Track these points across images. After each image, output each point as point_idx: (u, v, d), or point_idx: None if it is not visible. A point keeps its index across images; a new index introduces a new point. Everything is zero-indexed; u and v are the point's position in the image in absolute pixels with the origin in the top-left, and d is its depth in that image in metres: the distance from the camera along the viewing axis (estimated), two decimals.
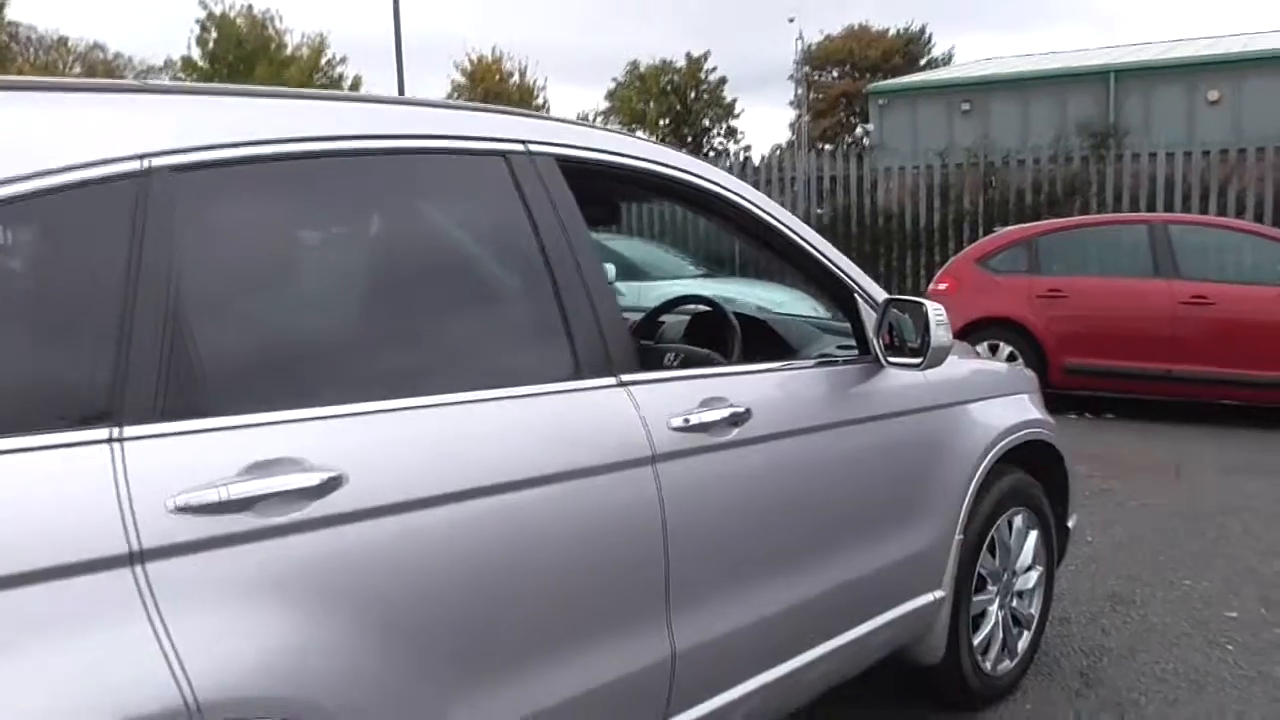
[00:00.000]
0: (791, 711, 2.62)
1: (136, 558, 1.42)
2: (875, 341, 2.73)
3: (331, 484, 1.61)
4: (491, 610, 1.81)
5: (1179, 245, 8.03)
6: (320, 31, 49.78)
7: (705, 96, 61.64)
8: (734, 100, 59.63)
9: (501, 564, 1.82)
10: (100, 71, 44.42)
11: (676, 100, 61.41)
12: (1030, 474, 3.35)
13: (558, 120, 2.25)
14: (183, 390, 1.53)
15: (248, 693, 1.49)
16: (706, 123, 60.57)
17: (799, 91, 53.81)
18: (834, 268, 2.78)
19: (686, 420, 2.17)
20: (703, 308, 3.13)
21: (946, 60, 53.53)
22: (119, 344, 1.49)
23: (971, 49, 77.36)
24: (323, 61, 51.17)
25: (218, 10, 44.58)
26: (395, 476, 1.69)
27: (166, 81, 2.37)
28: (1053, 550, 3.52)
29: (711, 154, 48.25)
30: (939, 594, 2.95)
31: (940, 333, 2.61)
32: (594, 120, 65.81)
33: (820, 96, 56.01)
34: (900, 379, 2.80)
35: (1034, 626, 3.46)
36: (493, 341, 2.05)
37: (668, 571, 2.12)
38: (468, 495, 1.78)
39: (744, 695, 2.33)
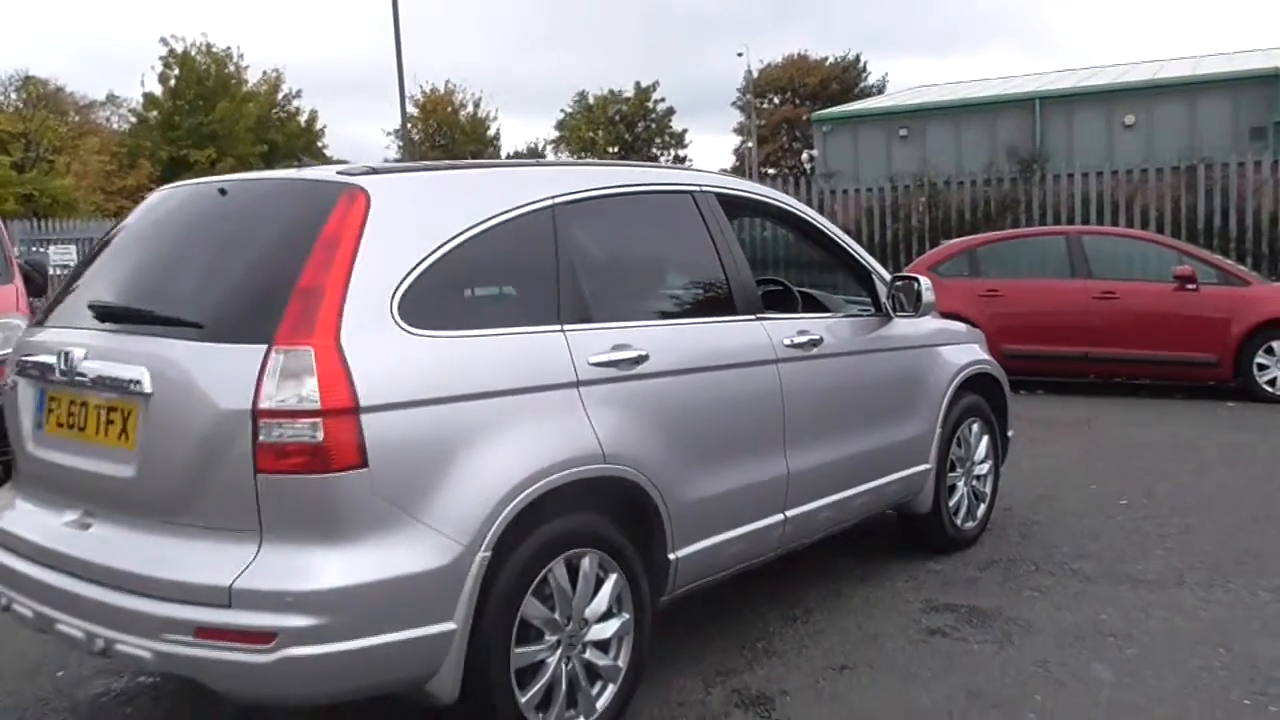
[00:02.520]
0: (846, 526, 4.28)
1: (578, 384, 3.03)
2: (886, 303, 4.40)
3: (643, 358, 3.22)
4: (710, 428, 3.44)
5: (1091, 251, 9.87)
6: (276, 68, 50.93)
7: (653, 125, 63.58)
8: (684, 131, 61.59)
9: (716, 406, 3.46)
10: (53, 104, 45.20)
11: (625, 129, 63.30)
12: (982, 396, 5.04)
13: (714, 173, 3.91)
14: (582, 310, 3.15)
15: (615, 451, 3.07)
16: (655, 151, 62.46)
17: (747, 119, 55.92)
18: (859, 257, 4.46)
19: (792, 341, 3.83)
20: (772, 286, 4.77)
21: (881, 87, 56.08)
22: (556, 289, 3.10)
23: (904, 72, 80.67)
24: (279, 96, 52.30)
25: (179, 48, 45.43)
26: (670, 357, 3.31)
27: (554, 158, 3.75)
28: (998, 450, 5.22)
29: None
30: (927, 465, 4.62)
31: (928, 295, 4.30)
32: (543, 149, 67.22)
33: (762, 123, 58.00)
34: (901, 327, 4.47)
35: (988, 501, 5.15)
36: (697, 293, 3.69)
37: (784, 425, 3.76)
38: (699, 370, 3.42)
39: (823, 505, 3.97)
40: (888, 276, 4.50)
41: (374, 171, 2.90)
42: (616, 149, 63.38)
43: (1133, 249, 10.13)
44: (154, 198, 3.39)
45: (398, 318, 2.68)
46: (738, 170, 54.03)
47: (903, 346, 4.49)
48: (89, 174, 42.07)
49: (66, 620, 2.72)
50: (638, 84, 60.95)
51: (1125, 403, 9.30)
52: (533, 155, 68.61)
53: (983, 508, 5.11)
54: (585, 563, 3.01)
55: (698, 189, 3.76)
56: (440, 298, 2.83)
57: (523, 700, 2.85)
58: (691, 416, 3.38)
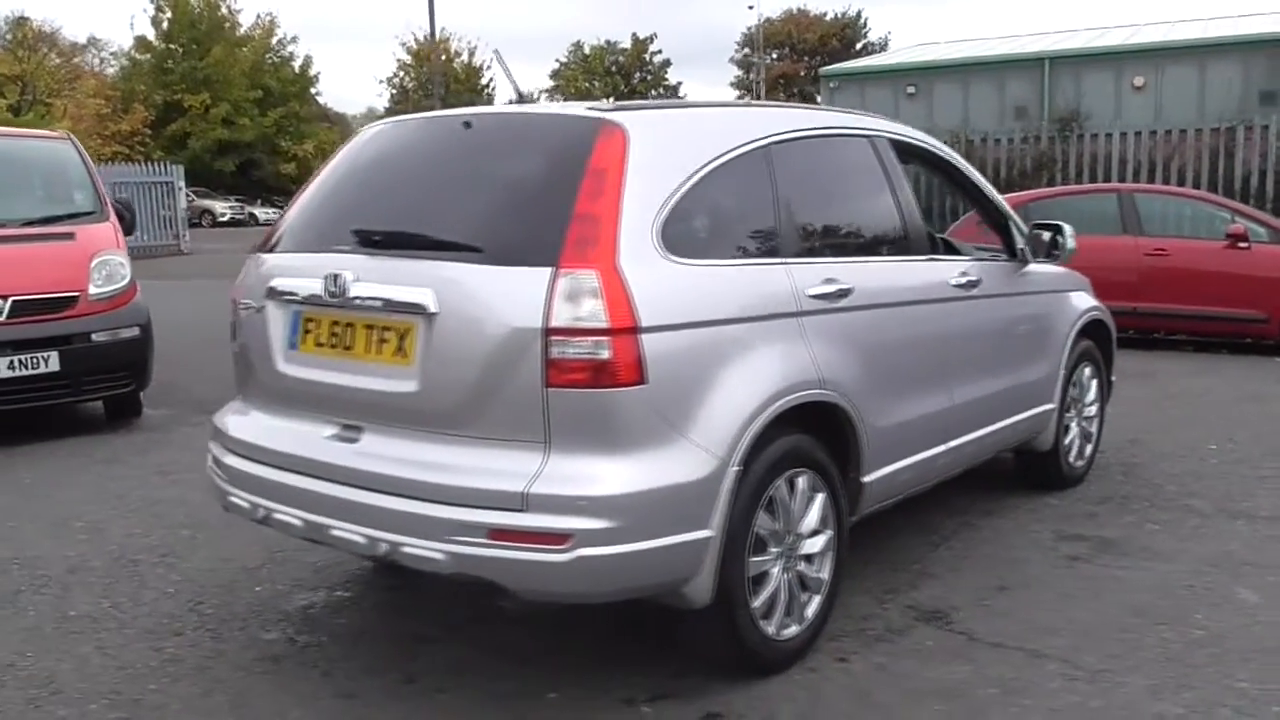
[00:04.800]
0: (987, 458, 4.50)
1: (800, 314, 3.21)
2: (1025, 249, 4.59)
3: (848, 292, 3.41)
4: (898, 360, 3.64)
5: (1143, 209, 10.07)
6: (270, 12, 50.34)
7: (649, 77, 63.52)
8: (679, 84, 61.55)
9: (902, 339, 3.67)
10: (47, 46, 44.61)
11: (621, 80, 63.23)
12: (1093, 341, 5.25)
13: (885, 119, 4.07)
14: (796, 246, 3.33)
15: (827, 378, 3.26)
16: None
17: (744, 74, 55.80)
18: (998, 205, 4.64)
19: (957, 281, 4.02)
20: None
21: (884, 44, 56.06)
22: (776, 224, 3.28)
23: (901, 20, 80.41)
24: (274, 41, 51.81)
25: None
26: (869, 291, 3.50)
27: (765, 103, 3.69)
28: (1105, 393, 5.44)
29: None
30: (1052, 405, 4.84)
31: (1070, 243, 4.49)
32: (538, 99, 66.85)
33: (760, 78, 57.90)
34: (1036, 272, 4.67)
35: (1094, 442, 5.39)
36: (881, 232, 3.86)
37: (950, 360, 3.96)
38: (891, 305, 3.62)
39: (975, 438, 4.19)
40: (1024, 225, 4.68)
41: (622, 108, 3.06)
42: (613, 100, 62.97)
43: (1183, 208, 10.34)
44: (375, 130, 3.53)
45: (660, 245, 2.85)
46: None
47: (1039, 290, 4.70)
48: (85, 117, 41.67)
49: (343, 527, 2.90)
50: (634, 35, 60.72)
51: (1176, 357, 9.55)
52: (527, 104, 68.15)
53: (1090, 448, 5.34)
54: (802, 481, 3.21)
55: (875, 133, 3.93)
56: (690, 228, 3.00)
57: (754, 606, 3.06)
58: (884, 348, 3.57)
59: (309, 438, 3.08)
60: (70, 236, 6.69)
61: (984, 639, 3.47)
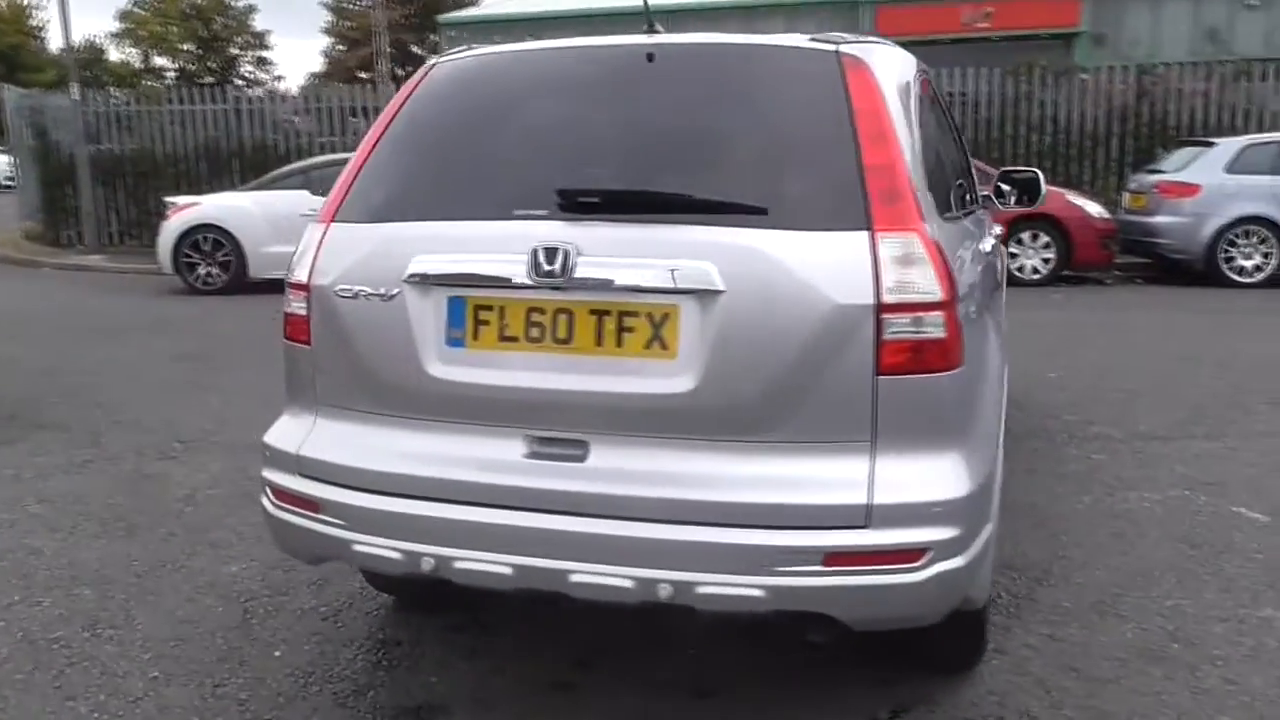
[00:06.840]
0: None
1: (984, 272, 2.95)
2: (994, 199, 4.60)
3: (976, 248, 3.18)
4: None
5: None
6: None
7: (233, 23, 58.95)
8: (267, 31, 57.96)
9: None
10: None
11: (201, 25, 58.20)
12: None
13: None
14: (945, 196, 3.04)
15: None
16: (235, 50, 58.36)
17: (335, 20, 53.18)
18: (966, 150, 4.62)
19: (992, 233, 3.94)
20: None
21: None
22: (941, 173, 2.97)
23: None
24: None
25: None
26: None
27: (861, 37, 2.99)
28: None
29: (241, 83, 47.13)
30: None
31: (1044, 187, 4.55)
32: (103, 43, 59.96)
33: (355, 25, 55.43)
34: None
35: None
36: (958, 183, 3.64)
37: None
38: (981, 259, 3.43)
39: None
40: (982, 173, 4.71)
41: (844, 40, 2.58)
42: (193, 46, 58.08)
43: None
44: (487, 64, 2.77)
45: (931, 200, 2.47)
46: (327, 76, 51.44)
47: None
48: None
49: (594, 570, 2.24)
50: None
51: None
52: (92, 50, 60.47)
53: None
54: None
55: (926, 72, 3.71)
56: (930, 180, 2.62)
57: None
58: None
59: (494, 459, 2.35)
60: None
61: (1108, 590, 3.45)
